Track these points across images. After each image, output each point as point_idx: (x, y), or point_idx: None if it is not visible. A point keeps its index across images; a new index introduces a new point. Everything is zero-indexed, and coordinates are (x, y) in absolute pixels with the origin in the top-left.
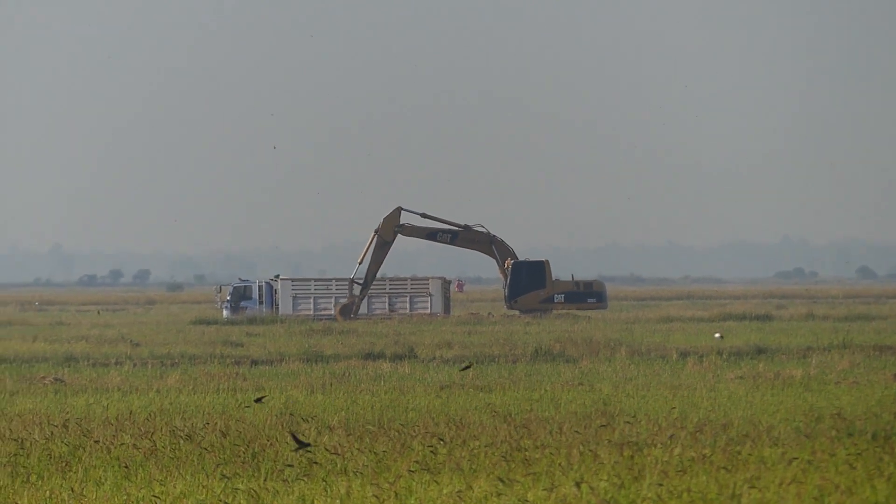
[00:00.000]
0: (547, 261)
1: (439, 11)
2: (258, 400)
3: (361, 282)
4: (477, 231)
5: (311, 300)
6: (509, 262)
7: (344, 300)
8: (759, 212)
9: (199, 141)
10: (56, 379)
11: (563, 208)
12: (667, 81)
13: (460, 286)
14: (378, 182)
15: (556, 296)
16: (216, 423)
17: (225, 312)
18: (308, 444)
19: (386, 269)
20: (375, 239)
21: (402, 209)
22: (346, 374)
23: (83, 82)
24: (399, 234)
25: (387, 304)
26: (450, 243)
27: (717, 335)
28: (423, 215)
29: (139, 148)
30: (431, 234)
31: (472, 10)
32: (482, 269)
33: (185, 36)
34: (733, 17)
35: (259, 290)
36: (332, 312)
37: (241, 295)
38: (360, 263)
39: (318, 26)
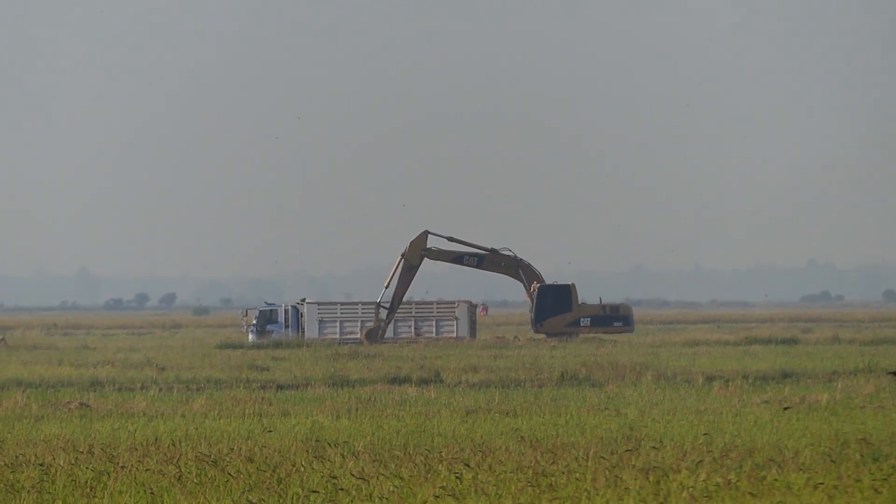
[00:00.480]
0: (573, 284)
1: (469, 36)
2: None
3: (388, 306)
4: (504, 255)
5: (338, 324)
6: (535, 285)
7: (370, 324)
8: (785, 236)
9: (226, 165)
10: (81, 404)
11: (590, 231)
12: (693, 105)
13: (485, 310)
14: (405, 206)
15: (582, 319)
16: (242, 449)
17: (251, 336)
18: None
19: (412, 293)
20: (402, 263)
21: (430, 233)
22: (372, 399)
23: (110, 109)
24: (426, 258)
25: (413, 328)
26: (476, 267)
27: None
28: (451, 239)
29: (166, 172)
30: (458, 258)
31: (500, 33)
32: (508, 292)
33: (215, 71)
34: (759, 41)
35: (285, 314)
36: (359, 336)
37: (266, 319)
38: (386, 287)
39: (347, 52)
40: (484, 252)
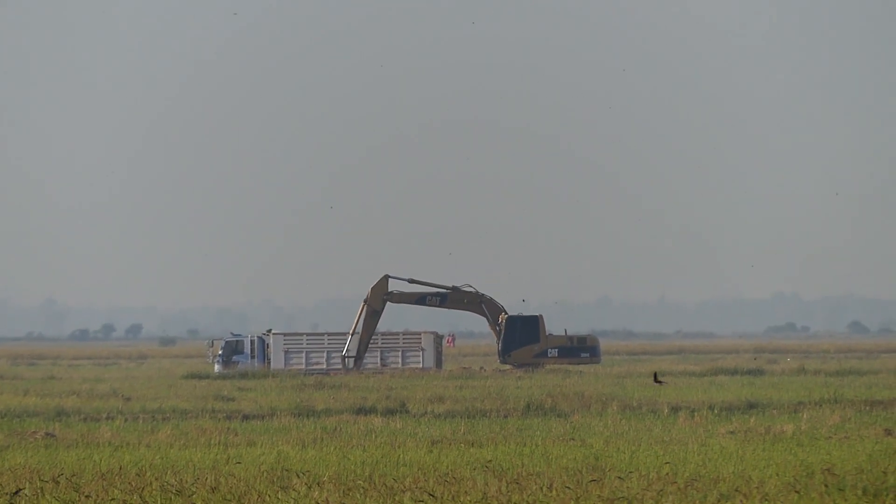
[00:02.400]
0: (541, 315)
1: (416, 66)
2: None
3: (354, 355)
4: (465, 291)
5: (304, 355)
6: (503, 316)
7: (337, 355)
8: (751, 267)
9: (192, 197)
10: (47, 434)
11: (556, 264)
12: (656, 138)
13: (452, 340)
14: (369, 239)
15: (549, 350)
16: (207, 479)
17: (217, 367)
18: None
19: (379, 323)
20: (365, 308)
21: (390, 276)
22: (338, 429)
23: (73, 141)
24: (388, 302)
25: (378, 359)
26: (439, 306)
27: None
28: (411, 280)
29: (131, 203)
30: (421, 299)
31: (453, 65)
32: (474, 323)
33: (178, 105)
34: (721, 80)
35: (251, 345)
36: (324, 367)
37: (232, 349)
38: (351, 334)
39: (309, 87)
40: (446, 291)
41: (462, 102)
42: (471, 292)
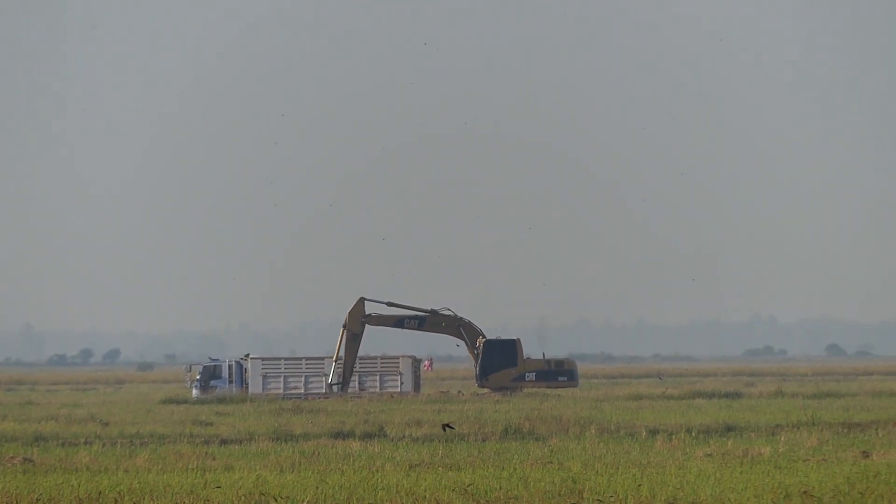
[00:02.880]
0: (518, 339)
1: (391, 87)
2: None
3: (339, 382)
4: (444, 315)
5: (282, 379)
6: (481, 340)
7: (315, 379)
8: (729, 290)
9: (169, 222)
10: (25, 459)
11: (535, 288)
12: (635, 163)
13: (430, 364)
14: (347, 263)
15: (527, 374)
16: (185, 503)
17: (194, 392)
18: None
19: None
20: (345, 334)
21: (365, 299)
22: (316, 453)
23: (47, 162)
24: (367, 325)
25: (356, 383)
26: (417, 329)
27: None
28: (389, 304)
29: (109, 227)
30: (399, 322)
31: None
32: (452, 347)
33: (160, 123)
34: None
35: (229, 370)
36: (302, 391)
37: (210, 374)
38: (335, 361)
39: (284, 103)
40: (424, 314)
41: (440, 124)
42: (449, 315)
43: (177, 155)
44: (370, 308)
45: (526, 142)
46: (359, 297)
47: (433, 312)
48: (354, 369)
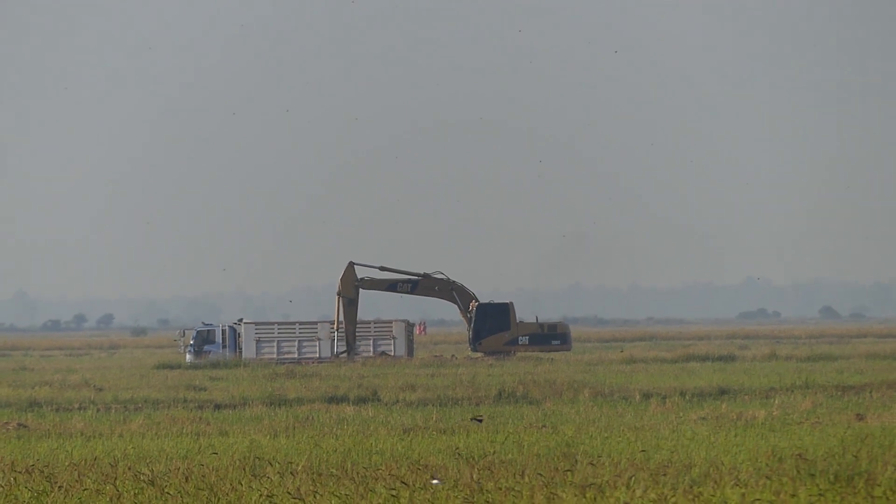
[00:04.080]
0: (511, 303)
1: (383, 64)
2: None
3: (345, 349)
4: (436, 278)
5: (275, 344)
6: (474, 304)
7: (308, 344)
8: (722, 253)
9: (162, 187)
10: (19, 424)
11: (526, 250)
12: (629, 126)
13: (423, 328)
14: (340, 228)
15: (520, 338)
16: (179, 468)
17: (188, 357)
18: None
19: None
20: (340, 300)
21: (355, 264)
22: (310, 418)
23: (42, 134)
24: (360, 289)
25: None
26: (410, 293)
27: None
28: (381, 268)
29: (101, 193)
30: (391, 286)
31: (423, 66)
32: (446, 311)
33: (153, 96)
34: (706, 75)
35: (222, 334)
36: (296, 356)
37: (204, 339)
38: (336, 329)
39: (280, 78)
40: (416, 277)
41: (431, 98)
42: (441, 279)
43: (174, 123)
44: (362, 272)
45: (522, 112)
46: (348, 262)
47: (426, 276)
48: (340, 334)
